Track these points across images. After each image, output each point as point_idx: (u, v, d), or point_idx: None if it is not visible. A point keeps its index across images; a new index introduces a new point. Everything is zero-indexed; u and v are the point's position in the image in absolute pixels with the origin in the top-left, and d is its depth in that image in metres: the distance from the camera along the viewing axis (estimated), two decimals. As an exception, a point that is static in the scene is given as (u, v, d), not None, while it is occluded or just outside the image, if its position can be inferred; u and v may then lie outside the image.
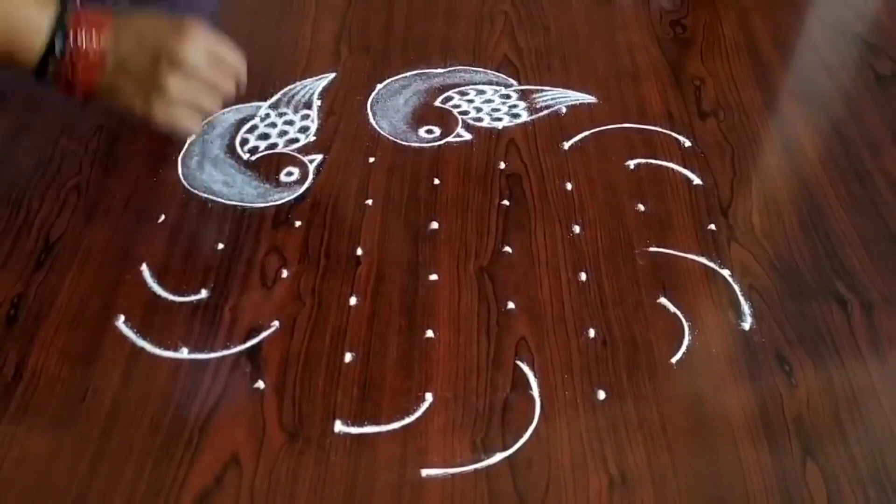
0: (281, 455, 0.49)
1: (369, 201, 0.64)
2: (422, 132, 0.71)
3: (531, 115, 0.73)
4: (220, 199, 0.64)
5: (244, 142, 0.69)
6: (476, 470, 0.49)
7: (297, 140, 0.69)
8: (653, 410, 0.53)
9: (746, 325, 0.58)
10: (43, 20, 0.54)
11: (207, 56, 0.58)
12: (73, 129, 0.69)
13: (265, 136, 0.69)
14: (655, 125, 0.73)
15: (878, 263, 0.62)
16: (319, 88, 0.74)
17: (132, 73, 0.56)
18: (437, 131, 0.71)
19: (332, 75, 0.76)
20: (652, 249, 0.62)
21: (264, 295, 0.58)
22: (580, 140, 0.71)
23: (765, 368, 0.55)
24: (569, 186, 0.67)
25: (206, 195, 0.64)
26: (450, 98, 0.74)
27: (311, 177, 0.66)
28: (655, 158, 0.70)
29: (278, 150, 0.68)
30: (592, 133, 0.72)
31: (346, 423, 0.51)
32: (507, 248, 0.61)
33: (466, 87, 0.75)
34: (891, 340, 0.57)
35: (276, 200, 0.64)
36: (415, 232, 0.62)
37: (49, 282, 0.57)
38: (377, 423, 0.51)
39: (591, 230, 0.63)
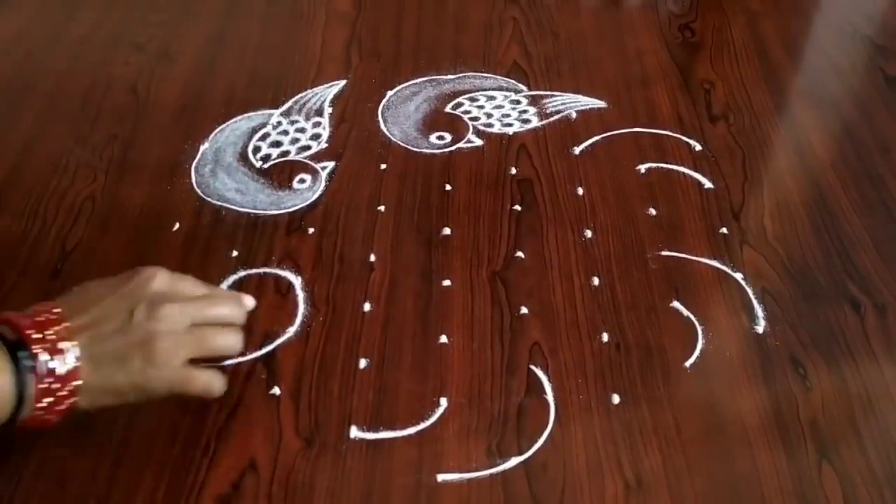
0: (297, 461, 0.49)
1: (381, 207, 0.65)
2: (433, 138, 0.71)
3: (541, 120, 0.73)
4: (233, 207, 0.64)
5: (256, 149, 0.69)
6: (492, 475, 0.49)
7: (309, 147, 0.70)
8: (667, 414, 0.53)
9: (760, 329, 0.58)
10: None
11: (173, 279, 0.48)
12: (87, 139, 0.69)
13: (277, 144, 0.70)
14: (665, 129, 0.73)
15: (890, 265, 0.62)
16: (330, 96, 0.75)
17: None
18: (448, 137, 0.71)
19: (343, 82, 0.76)
20: (664, 253, 0.62)
21: (278, 301, 0.58)
22: (591, 145, 0.71)
23: (779, 371, 0.55)
24: (580, 191, 0.67)
25: (219, 203, 0.64)
26: (460, 104, 0.74)
27: (323, 184, 0.67)
28: (666, 162, 0.70)
29: (290, 157, 0.69)
30: (603, 138, 0.72)
31: (361, 428, 0.51)
32: (520, 254, 0.62)
33: (477, 93, 0.76)
34: (905, 342, 0.57)
35: (288, 207, 0.65)
36: (427, 238, 0.63)
37: (66, 290, 0.57)
38: (393, 428, 0.51)
39: (603, 235, 0.63)
